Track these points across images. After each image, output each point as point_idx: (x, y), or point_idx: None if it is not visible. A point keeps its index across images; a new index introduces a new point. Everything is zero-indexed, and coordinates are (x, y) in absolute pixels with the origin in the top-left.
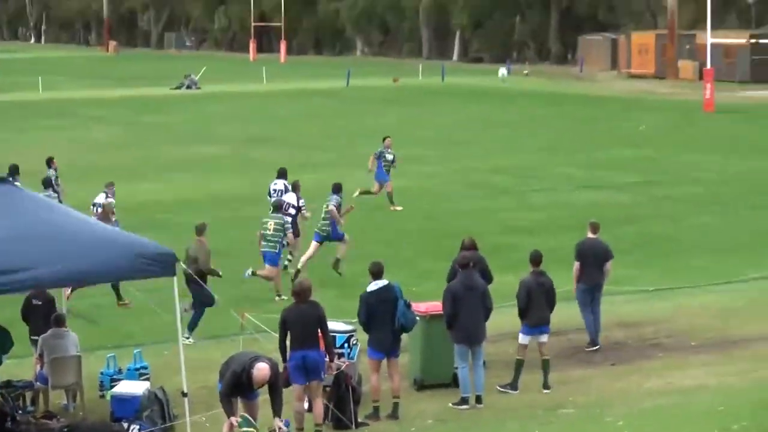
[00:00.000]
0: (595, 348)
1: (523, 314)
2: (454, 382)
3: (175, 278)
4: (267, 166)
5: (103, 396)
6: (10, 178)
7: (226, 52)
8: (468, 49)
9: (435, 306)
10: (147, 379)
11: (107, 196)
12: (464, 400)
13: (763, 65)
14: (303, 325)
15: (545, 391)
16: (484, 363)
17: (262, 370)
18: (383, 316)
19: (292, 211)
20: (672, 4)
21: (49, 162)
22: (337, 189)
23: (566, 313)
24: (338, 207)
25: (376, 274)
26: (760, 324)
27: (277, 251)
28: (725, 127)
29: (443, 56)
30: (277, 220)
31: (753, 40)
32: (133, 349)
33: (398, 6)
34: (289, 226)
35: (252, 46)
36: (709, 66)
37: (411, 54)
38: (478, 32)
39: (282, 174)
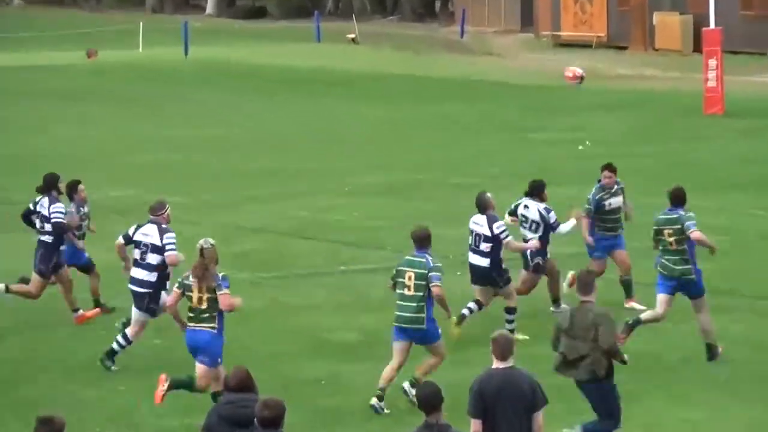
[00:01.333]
0: None
1: None
2: None
3: None
4: None
5: None
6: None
7: None
8: None
9: None
10: None
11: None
12: None
13: None
14: None
15: None
16: None
17: None
18: None
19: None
20: None
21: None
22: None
23: None
24: None
25: None
26: None
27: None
28: (743, 142)
29: (186, 8)
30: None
31: None
32: None
33: None
34: (437, 274)
35: None
36: (713, 25)
37: (123, 4)
38: None
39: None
